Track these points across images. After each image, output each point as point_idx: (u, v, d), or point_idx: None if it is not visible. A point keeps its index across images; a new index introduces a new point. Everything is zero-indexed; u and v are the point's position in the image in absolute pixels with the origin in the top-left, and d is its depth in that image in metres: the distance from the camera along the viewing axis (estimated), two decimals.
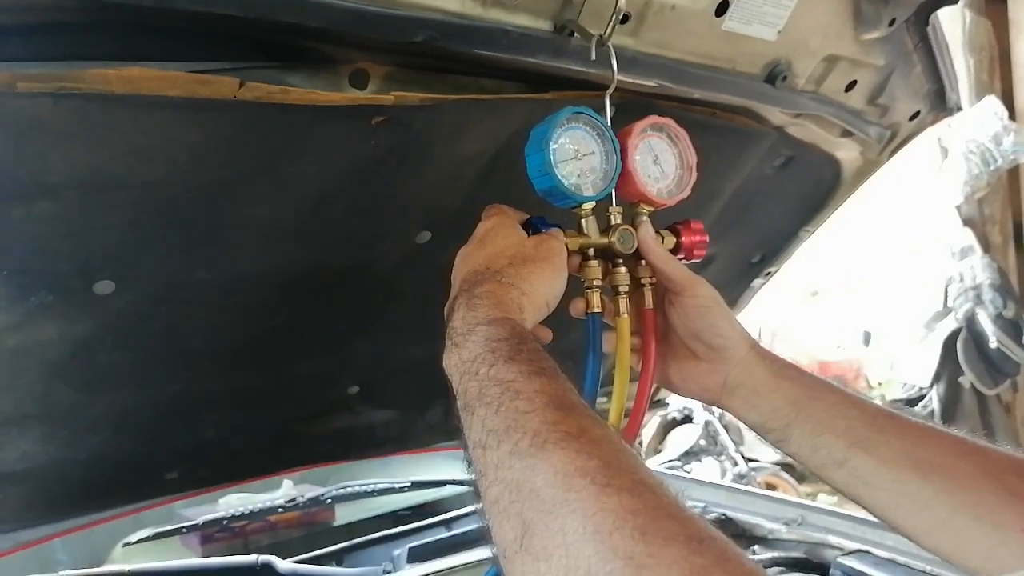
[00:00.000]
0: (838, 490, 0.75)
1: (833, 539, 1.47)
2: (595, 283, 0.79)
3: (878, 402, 0.81)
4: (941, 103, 1.26)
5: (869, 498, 0.72)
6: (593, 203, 0.78)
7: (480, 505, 0.54)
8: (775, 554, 1.49)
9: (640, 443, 4.51)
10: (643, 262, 0.81)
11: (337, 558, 1.45)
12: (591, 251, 0.79)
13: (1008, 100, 2.66)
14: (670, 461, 4.48)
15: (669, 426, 4.95)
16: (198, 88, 0.65)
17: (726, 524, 1.60)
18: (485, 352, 0.60)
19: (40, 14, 0.59)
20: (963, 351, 2.61)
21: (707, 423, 4.78)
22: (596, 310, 0.78)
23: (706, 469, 4.56)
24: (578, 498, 0.46)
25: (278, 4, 0.62)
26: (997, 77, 2.70)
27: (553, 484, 0.48)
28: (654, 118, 0.83)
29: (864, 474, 0.71)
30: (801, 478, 4.38)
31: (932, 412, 2.71)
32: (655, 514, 0.44)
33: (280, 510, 1.61)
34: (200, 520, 1.53)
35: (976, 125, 2.54)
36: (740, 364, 0.79)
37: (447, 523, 1.57)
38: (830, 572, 1.41)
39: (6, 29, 0.58)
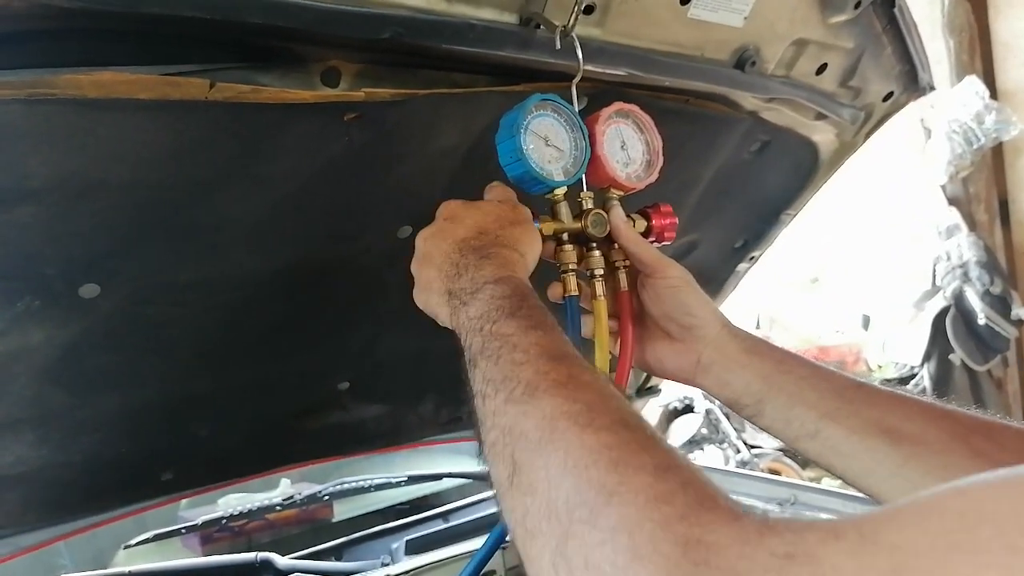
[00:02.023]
0: (814, 461, 0.77)
1: (824, 516, 1.48)
2: (570, 267, 0.81)
3: (863, 379, 0.83)
4: (914, 84, 1.28)
5: (842, 467, 0.74)
6: (565, 188, 0.80)
7: (482, 452, 0.57)
8: None
9: None
10: (616, 246, 0.83)
11: (336, 553, 1.47)
12: (565, 236, 0.81)
13: (989, 79, 2.67)
14: None
15: (671, 416, 4.97)
16: (169, 90, 0.66)
17: None
18: (490, 309, 0.64)
19: (11, 23, 0.60)
20: (952, 329, 2.63)
21: (708, 411, 4.81)
22: (573, 293, 0.80)
23: (709, 457, 4.58)
24: (561, 438, 0.50)
25: (244, 5, 0.64)
26: (978, 57, 2.71)
27: (540, 427, 0.52)
28: (619, 104, 0.85)
29: (836, 444, 0.73)
30: (805, 463, 4.40)
31: (924, 390, 2.74)
32: (628, 448, 0.47)
33: (278, 508, 1.62)
34: (199, 520, 1.55)
35: (958, 105, 2.55)
36: (712, 343, 0.81)
37: (444, 515, 1.59)
38: None
39: None
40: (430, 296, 0.74)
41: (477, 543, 1.42)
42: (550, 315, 0.64)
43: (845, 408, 0.73)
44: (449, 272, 0.71)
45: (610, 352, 0.84)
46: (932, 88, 1.29)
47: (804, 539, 0.38)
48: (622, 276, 0.84)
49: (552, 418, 0.51)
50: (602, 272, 0.82)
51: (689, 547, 0.40)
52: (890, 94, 1.28)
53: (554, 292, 0.82)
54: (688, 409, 4.91)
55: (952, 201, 2.68)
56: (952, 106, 2.52)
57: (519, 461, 0.51)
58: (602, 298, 0.82)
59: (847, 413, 0.73)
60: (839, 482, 0.79)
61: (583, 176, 0.81)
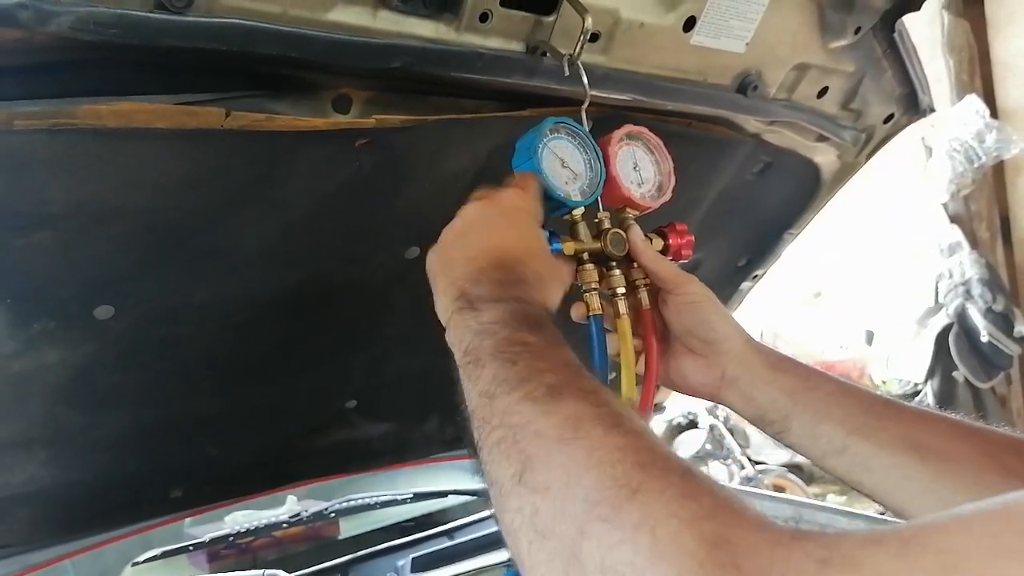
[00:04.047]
0: (840, 479, 0.76)
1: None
2: (592, 286, 0.81)
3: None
4: (914, 106, 1.29)
5: (871, 484, 0.73)
6: (583, 209, 0.81)
7: (479, 453, 0.55)
8: None
9: None
10: (635, 264, 0.84)
11: (342, 571, 1.47)
12: (585, 255, 0.81)
13: (989, 98, 2.70)
14: None
15: (675, 431, 4.95)
16: (186, 119, 0.68)
17: None
18: (511, 318, 0.62)
19: (34, 55, 0.62)
20: (955, 346, 2.63)
21: (712, 427, 4.79)
22: (596, 312, 0.80)
23: (714, 473, 4.56)
24: (586, 436, 0.48)
25: (259, 37, 0.66)
26: (977, 76, 2.73)
27: (562, 425, 0.50)
28: (629, 127, 0.87)
29: (864, 460, 0.72)
30: (809, 479, 4.38)
31: (928, 407, 2.72)
32: (656, 452, 0.46)
33: (285, 525, 1.63)
34: (207, 538, 1.56)
35: (959, 124, 2.57)
36: (736, 358, 0.81)
37: (449, 533, 1.59)
38: None
39: (2, 70, 0.62)
40: (437, 283, 0.72)
41: (483, 560, 1.43)
42: (567, 344, 0.62)
43: (873, 424, 0.73)
44: (470, 275, 0.69)
45: (635, 371, 0.84)
46: (932, 110, 1.31)
47: (841, 544, 0.36)
48: (643, 294, 0.84)
49: (577, 418, 0.50)
50: (623, 291, 0.83)
51: (717, 547, 0.38)
52: (891, 116, 1.29)
53: (578, 312, 0.81)
54: (692, 425, 4.89)
55: (954, 219, 2.70)
56: (953, 125, 2.54)
57: (533, 457, 0.49)
58: (625, 316, 0.82)
59: (875, 429, 0.72)
60: (844, 499, 0.79)
61: (599, 197, 0.83)
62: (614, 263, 0.83)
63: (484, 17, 0.77)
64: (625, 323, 0.82)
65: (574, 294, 0.82)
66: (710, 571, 0.37)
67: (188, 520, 1.59)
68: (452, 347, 0.66)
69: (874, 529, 0.38)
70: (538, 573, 0.44)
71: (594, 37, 0.85)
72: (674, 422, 4.89)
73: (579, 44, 0.79)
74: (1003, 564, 0.33)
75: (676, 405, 4.62)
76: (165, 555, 1.51)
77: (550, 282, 0.73)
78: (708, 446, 4.76)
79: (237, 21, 0.64)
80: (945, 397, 2.65)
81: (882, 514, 1.35)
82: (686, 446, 4.75)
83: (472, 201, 0.76)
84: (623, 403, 0.55)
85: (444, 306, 0.70)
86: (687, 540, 0.39)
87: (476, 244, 0.71)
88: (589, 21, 0.77)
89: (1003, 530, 0.34)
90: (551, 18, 0.81)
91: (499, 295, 0.66)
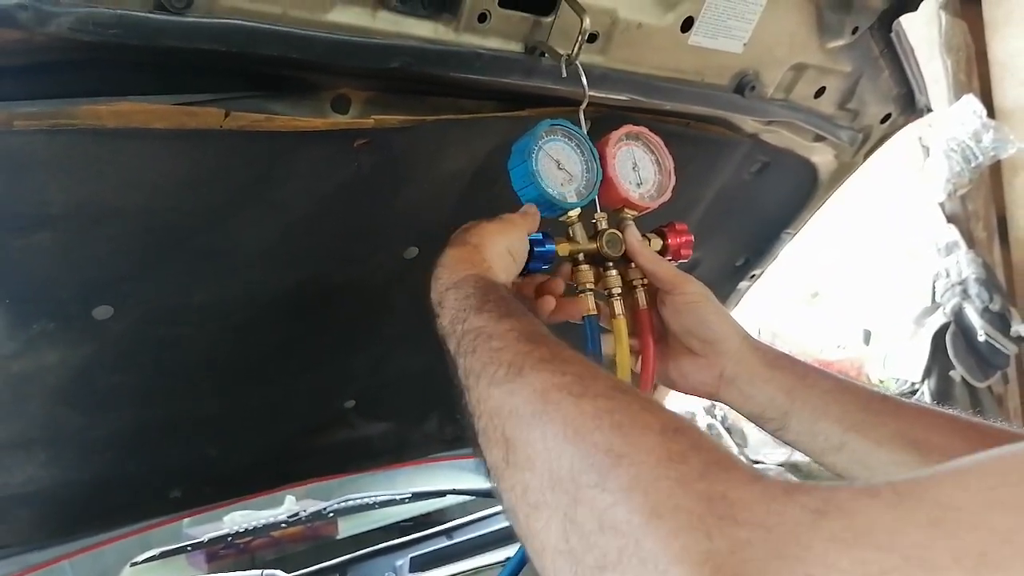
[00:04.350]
0: (839, 475, 0.76)
1: None
2: (588, 286, 0.81)
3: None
4: (911, 106, 1.30)
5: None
6: (579, 210, 0.82)
7: (476, 447, 0.56)
8: None
9: None
10: (632, 265, 0.84)
11: (341, 570, 1.48)
12: (581, 256, 0.82)
13: (986, 98, 2.70)
14: None
15: None
16: (186, 119, 0.68)
17: None
18: (457, 311, 0.64)
19: (34, 55, 0.62)
20: (952, 345, 2.63)
21: (709, 427, 4.80)
22: (591, 312, 0.81)
23: None
24: (556, 408, 0.48)
25: (258, 38, 0.66)
26: (975, 76, 2.74)
27: (531, 401, 0.50)
28: (628, 127, 0.87)
29: (862, 456, 0.73)
30: (807, 478, 4.38)
31: None
32: (630, 409, 0.46)
33: (284, 525, 1.63)
34: (205, 538, 1.56)
35: (956, 124, 2.57)
36: (734, 357, 0.81)
37: (448, 532, 1.60)
38: None
39: (2, 70, 0.62)
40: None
41: (481, 560, 1.43)
42: (519, 304, 0.64)
43: (871, 420, 0.73)
44: (435, 285, 0.71)
45: (632, 370, 0.84)
46: (929, 110, 1.31)
47: (835, 495, 0.37)
48: (640, 294, 0.85)
49: (543, 391, 0.50)
50: (620, 291, 0.83)
51: (713, 502, 0.38)
52: (888, 116, 1.30)
53: (573, 312, 0.82)
54: None
55: (951, 219, 2.70)
56: (950, 125, 2.54)
57: (512, 438, 0.50)
58: (621, 316, 0.83)
59: (873, 425, 0.73)
60: None
61: (596, 197, 0.83)
62: (611, 263, 0.83)
63: (483, 17, 0.77)
64: (621, 323, 0.82)
65: (570, 294, 0.82)
66: (710, 524, 0.37)
67: (187, 520, 1.59)
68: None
69: (868, 481, 0.38)
70: (538, 540, 0.45)
71: (592, 37, 0.85)
72: None
73: (577, 44, 0.79)
74: (997, 516, 0.33)
75: (674, 404, 4.63)
76: (164, 555, 1.52)
77: (494, 227, 0.75)
78: None
79: (237, 22, 0.64)
80: (942, 396, 2.66)
81: None
82: None
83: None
84: (580, 354, 0.56)
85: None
86: (682, 498, 0.39)
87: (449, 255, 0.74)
88: (587, 21, 0.78)
89: (998, 483, 0.34)
90: (549, 18, 0.81)
91: (446, 286, 0.68)
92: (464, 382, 0.58)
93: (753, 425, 0.84)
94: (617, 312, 0.83)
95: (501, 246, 0.74)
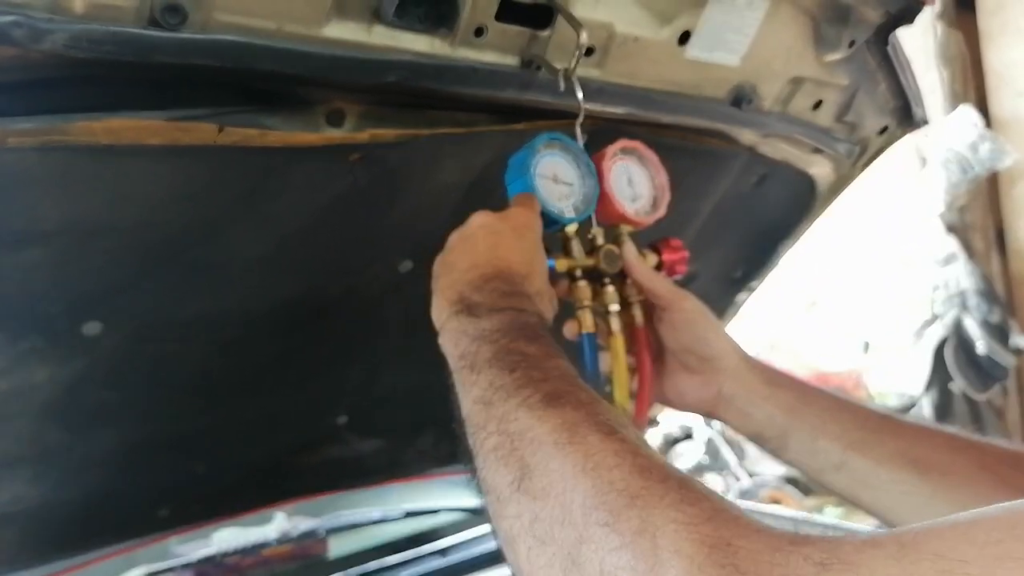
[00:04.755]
0: (839, 495, 0.76)
1: None
2: (585, 303, 0.81)
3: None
4: (908, 118, 1.30)
5: (870, 500, 0.73)
6: (576, 225, 0.81)
7: (473, 460, 0.55)
8: None
9: None
10: (629, 281, 0.84)
11: None
12: (578, 272, 0.81)
13: (983, 109, 2.71)
14: None
15: (671, 444, 4.94)
16: (179, 135, 0.67)
17: None
18: (509, 328, 0.62)
19: (28, 72, 0.61)
20: (952, 358, 2.64)
21: (708, 439, 4.78)
22: (589, 330, 0.80)
23: (710, 485, 4.53)
24: (583, 441, 0.48)
25: (253, 53, 0.65)
26: (971, 87, 2.75)
27: (560, 431, 0.49)
28: (623, 142, 0.86)
29: (862, 475, 0.73)
30: (806, 491, 4.37)
31: (924, 419, 2.73)
32: (654, 459, 0.46)
33: (273, 544, 1.60)
34: (194, 556, 1.53)
35: (953, 134, 2.58)
36: (732, 375, 0.81)
37: (442, 551, 1.57)
38: None
39: None
40: (438, 284, 0.72)
41: None
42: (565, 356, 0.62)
43: (870, 439, 0.73)
44: (472, 281, 0.69)
45: (629, 389, 0.83)
46: (926, 122, 1.31)
47: (840, 547, 0.36)
48: (637, 311, 0.84)
49: (574, 423, 0.50)
50: (617, 308, 0.82)
51: (716, 549, 0.38)
52: (885, 128, 1.29)
53: (570, 330, 0.81)
54: (688, 436, 4.88)
55: (949, 229, 2.70)
56: (947, 135, 2.55)
57: (531, 464, 0.49)
58: (619, 334, 0.82)
59: (872, 444, 0.72)
60: (841, 511, 0.79)
61: (593, 213, 0.82)
62: (607, 279, 0.82)
63: (479, 32, 0.77)
64: (619, 341, 0.82)
65: (567, 311, 0.81)
66: (709, 574, 0.37)
67: (175, 538, 1.57)
68: (445, 351, 0.66)
69: (873, 533, 0.38)
70: None
71: (589, 51, 0.84)
72: (670, 434, 4.88)
73: (575, 59, 0.78)
74: (1004, 570, 0.33)
75: (672, 417, 4.61)
76: (151, 575, 1.49)
77: (548, 301, 0.73)
78: (705, 458, 4.75)
79: (232, 38, 0.63)
80: (942, 409, 2.65)
81: (878, 527, 1.34)
82: (682, 458, 4.74)
83: (478, 214, 0.76)
84: (620, 414, 0.55)
85: (440, 308, 0.69)
86: (684, 543, 0.39)
87: (482, 252, 0.71)
88: (584, 36, 0.77)
89: (1005, 536, 0.34)
90: (546, 32, 0.81)
91: (500, 304, 0.65)
92: (486, 394, 0.56)
93: None
94: (614, 329, 0.82)
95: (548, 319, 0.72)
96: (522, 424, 0.52)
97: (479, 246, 0.72)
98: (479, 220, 0.75)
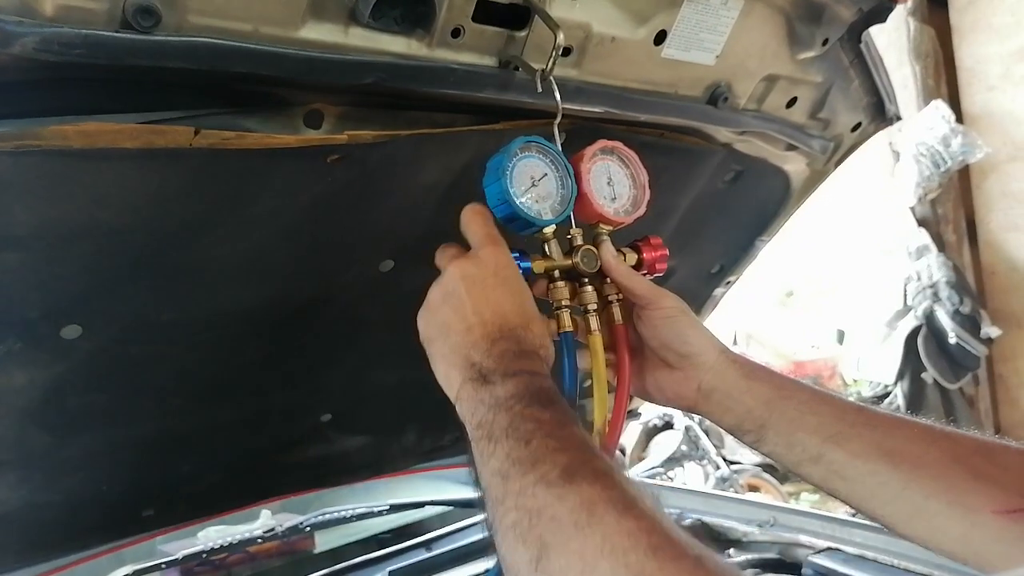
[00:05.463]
0: (816, 486, 0.78)
1: (804, 538, 1.51)
2: (563, 303, 0.82)
3: (851, 399, 0.84)
4: (881, 114, 1.32)
5: (846, 491, 0.75)
6: (554, 226, 0.82)
7: (492, 534, 0.57)
8: (750, 556, 1.52)
9: (623, 451, 4.54)
10: (608, 280, 0.85)
11: None
12: (556, 273, 0.82)
13: (955, 104, 2.75)
14: (653, 468, 4.53)
15: (651, 433, 4.98)
16: (154, 138, 0.67)
17: (702, 529, 1.63)
18: (524, 394, 0.63)
19: None
20: (924, 348, 2.69)
21: (687, 428, 4.83)
22: (567, 329, 0.81)
23: (689, 474, 4.60)
24: (600, 522, 0.50)
25: (229, 55, 0.65)
26: (943, 82, 2.79)
27: (578, 510, 0.52)
28: (603, 142, 0.87)
29: (839, 468, 0.74)
30: (783, 478, 4.43)
31: (898, 408, 2.79)
32: (666, 535, 0.48)
33: (260, 540, 1.61)
34: (180, 554, 1.53)
35: (925, 129, 2.62)
36: (711, 370, 0.82)
37: (427, 544, 1.58)
38: (802, 571, 1.45)
39: None
40: (436, 350, 0.73)
41: (461, 572, 1.42)
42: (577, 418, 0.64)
43: (846, 432, 0.74)
44: (476, 344, 0.69)
45: (609, 383, 0.84)
46: (899, 118, 1.33)
47: None
48: (616, 309, 0.85)
49: (591, 503, 0.52)
50: (595, 307, 0.83)
51: None
52: (858, 124, 1.31)
53: (549, 329, 0.81)
54: (668, 426, 4.92)
55: (921, 222, 2.75)
56: (919, 130, 2.59)
57: (549, 544, 0.51)
58: (597, 332, 0.83)
59: (848, 436, 0.74)
60: (816, 498, 0.81)
61: (571, 214, 0.83)
62: (586, 279, 0.83)
63: (456, 33, 0.77)
64: (597, 339, 0.83)
65: (546, 311, 0.82)
66: None
67: (161, 536, 1.56)
68: (463, 419, 0.67)
69: None
70: None
71: (566, 51, 0.85)
72: (650, 424, 4.93)
73: (551, 59, 0.79)
74: None
75: (652, 408, 4.65)
76: (137, 573, 1.48)
77: (548, 339, 0.75)
78: (684, 447, 4.79)
79: (206, 40, 0.63)
80: (915, 398, 2.70)
81: (853, 515, 1.37)
82: (662, 448, 4.79)
83: (452, 263, 0.75)
84: (635, 484, 0.57)
85: (449, 376, 0.70)
86: None
87: (473, 308, 0.71)
88: (561, 36, 0.78)
89: None
90: (523, 33, 0.81)
91: (512, 368, 0.67)
92: (503, 467, 0.58)
93: None
94: (593, 328, 0.83)
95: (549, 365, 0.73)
96: (540, 501, 0.54)
97: (467, 302, 0.72)
98: (455, 271, 0.74)
